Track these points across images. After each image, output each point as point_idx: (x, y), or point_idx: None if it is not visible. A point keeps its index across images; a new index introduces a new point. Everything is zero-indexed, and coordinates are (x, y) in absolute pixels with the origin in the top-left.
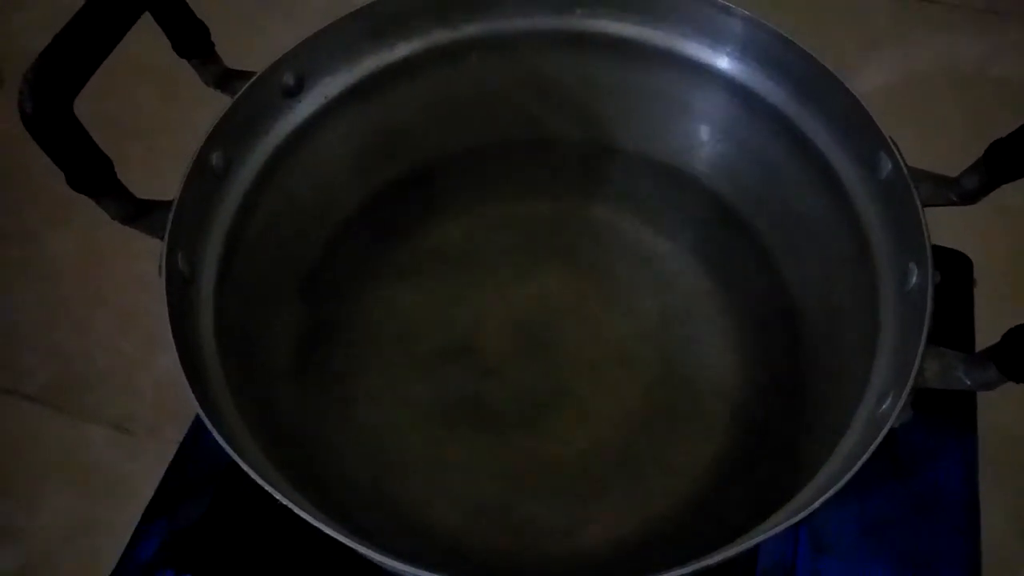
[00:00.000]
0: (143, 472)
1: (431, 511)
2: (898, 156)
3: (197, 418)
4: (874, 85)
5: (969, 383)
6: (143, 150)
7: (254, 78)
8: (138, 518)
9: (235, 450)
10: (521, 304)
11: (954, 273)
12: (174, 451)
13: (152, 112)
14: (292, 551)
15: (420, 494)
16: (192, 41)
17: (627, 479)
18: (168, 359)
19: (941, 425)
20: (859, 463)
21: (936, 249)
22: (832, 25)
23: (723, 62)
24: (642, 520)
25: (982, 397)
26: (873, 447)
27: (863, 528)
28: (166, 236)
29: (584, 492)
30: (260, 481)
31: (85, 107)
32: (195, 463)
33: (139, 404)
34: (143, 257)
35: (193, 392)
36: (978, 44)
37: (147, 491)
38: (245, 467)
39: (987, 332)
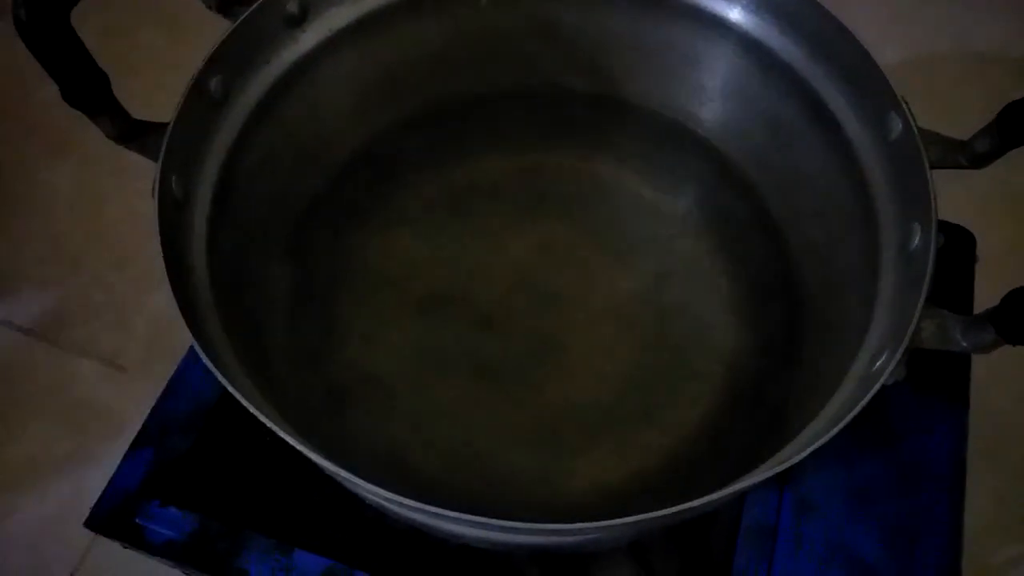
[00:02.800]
0: (133, 407)
1: (413, 454)
2: (909, 116)
3: (188, 352)
4: (892, 63)
5: (965, 344)
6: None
7: (257, 3)
8: (125, 452)
9: (223, 374)
10: (520, 255)
11: (957, 247)
12: (163, 387)
13: (158, 51)
14: (276, 484)
15: (404, 436)
16: None
17: (616, 434)
18: (162, 297)
19: (933, 396)
20: (849, 416)
21: (939, 224)
22: (852, 3)
23: (737, 14)
24: (628, 473)
25: (976, 380)
26: (864, 401)
27: (849, 492)
28: (160, 158)
29: (572, 444)
30: (245, 402)
31: (89, 44)
32: (184, 397)
33: (131, 340)
34: (141, 195)
35: (181, 312)
36: (998, 25)
37: (135, 426)
38: (231, 388)
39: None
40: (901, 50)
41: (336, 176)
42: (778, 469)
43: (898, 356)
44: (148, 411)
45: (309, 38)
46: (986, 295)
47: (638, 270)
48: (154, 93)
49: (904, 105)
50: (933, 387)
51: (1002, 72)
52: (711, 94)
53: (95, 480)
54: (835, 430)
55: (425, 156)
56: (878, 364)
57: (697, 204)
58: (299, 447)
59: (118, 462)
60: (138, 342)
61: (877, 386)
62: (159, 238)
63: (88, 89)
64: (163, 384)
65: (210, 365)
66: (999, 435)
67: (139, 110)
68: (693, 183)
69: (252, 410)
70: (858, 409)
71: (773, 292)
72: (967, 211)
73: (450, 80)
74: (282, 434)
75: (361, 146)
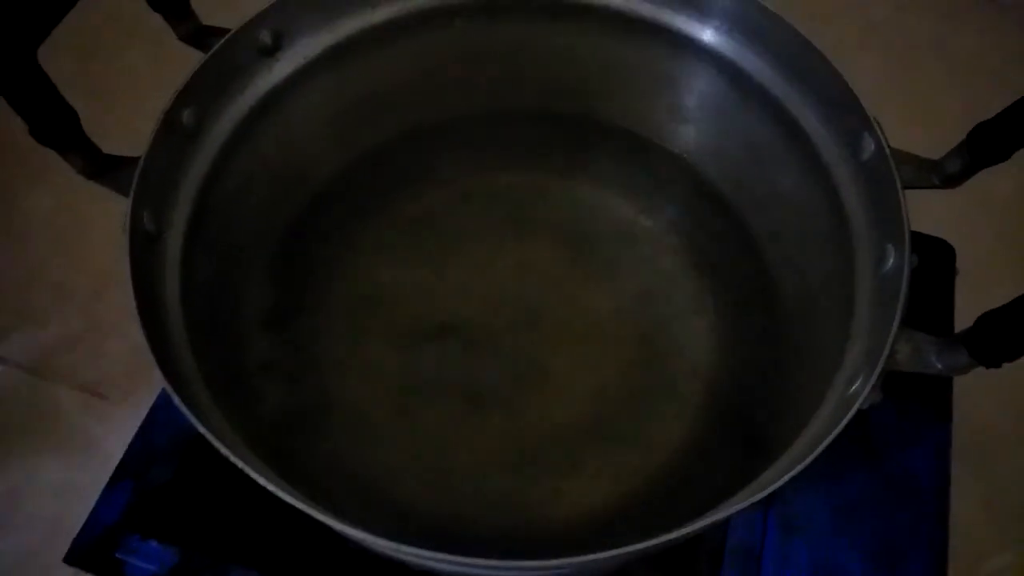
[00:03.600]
0: (115, 436)
1: (392, 480)
2: (881, 137)
3: None
4: (870, 71)
5: (940, 367)
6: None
7: (229, 35)
8: (106, 482)
9: (197, 416)
10: (500, 277)
11: (936, 261)
12: (145, 414)
13: (139, 74)
14: (259, 516)
15: (383, 462)
16: None
17: (598, 456)
18: None
19: (916, 412)
20: (824, 443)
21: (919, 237)
22: (829, 10)
23: (710, 36)
24: (613, 495)
25: (958, 386)
26: (839, 428)
27: (833, 512)
28: (131, 193)
29: (557, 467)
30: (218, 445)
31: (69, 67)
32: (165, 428)
33: (113, 369)
34: (122, 221)
35: (152, 352)
36: (974, 34)
37: (117, 455)
38: (203, 430)
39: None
40: (879, 58)
41: (313, 202)
42: (758, 496)
43: (873, 380)
44: (129, 440)
45: (283, 67)
46: (967, 307)
47: (619, 289)
48: (135, 119)
49: (876, 126)
50: (915, 402)
51: (979, 80)
52: (687, 114)
53: (77, 512)
54: (811, 457)
55: (403, 179)
56: (854, 387)
57: (676, 222)
58: (274, 490)
59: (99, 492)
60: (120, 370)
61: (852, 411)
62: (130, 276)
63: (57, 126)
64: (146, 412)
65: (182, 406)
66: (983, 442)
67: (120, 137)
68: (672, 202)
69: (224, 451)
70: (833, 435)
71: (752, 310)
72: (947, 222)
73: (427, 104)
74: (256, 477)
75: (338, 171)
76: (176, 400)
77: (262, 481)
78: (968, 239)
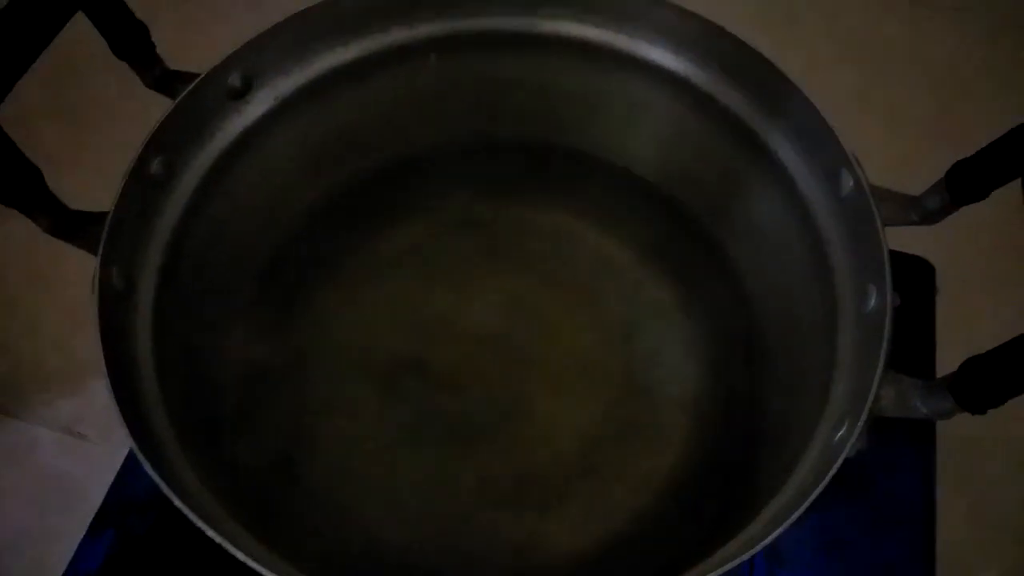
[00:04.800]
0: (94, 477)
1: (377, 524)
2: (860, 174)
3: None
4: (844, 81)
5: (926, 412)
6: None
7: (196, 80)
8: (86, 526)
9: (171, 487)
10: (480, 312)
11: (915, 281)
12: (125, 456)
13: (111, 105)
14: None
15: (368, 511)
16: (130, 42)
17: (586, 492)
18: None
19: (899, 436)
20: (812, 496)
21: (897, 256)
22: (803, 21)
23: (687, 69)
24: (599, 534)
25: None
26: (825, 481)
27: (820, 542)
28: (99, 252)
29: (541, 508)
30: (193, 517)
31: (42, 96)
32: (143, 473)
33: (91, 407)
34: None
35: (122, 415)
36: (949, 43)
37: (97, 497)
38: (178, 502)
39: (949, 341)
40: (853, 71)
41: (289, 241)
42: (748, 555)
43: (858, 429)
44: (109, 481)
45: (254, 109)
46: (947, 327)
47: (601, 321)
48: (109, 151)
49: (855, 162)
50: (899, 427)
51: (953, 88)
52: (664, 144)
53: (56, 557)
54: (800, 510)
55: (379, 214)
56: (840, 434)
57: (656, 253)
58: (253, 565)
59: (79, 536)
60: (98, 409)
61: (839, 462)
62: (98, 338)
63: (20, 187)
64: (124, 452)
65: (153, 473)
66: (965, 453)
67: (92, 173)
68: (652, 232)
69: (197, 522)
70: (821, 487)
71: (736, 343)
72: (924, 238)
73: (402, 137)
74: (232, 550)
75: (313, 209)
76: (147, 467)
77: (241, 556)
78: (946, 251)
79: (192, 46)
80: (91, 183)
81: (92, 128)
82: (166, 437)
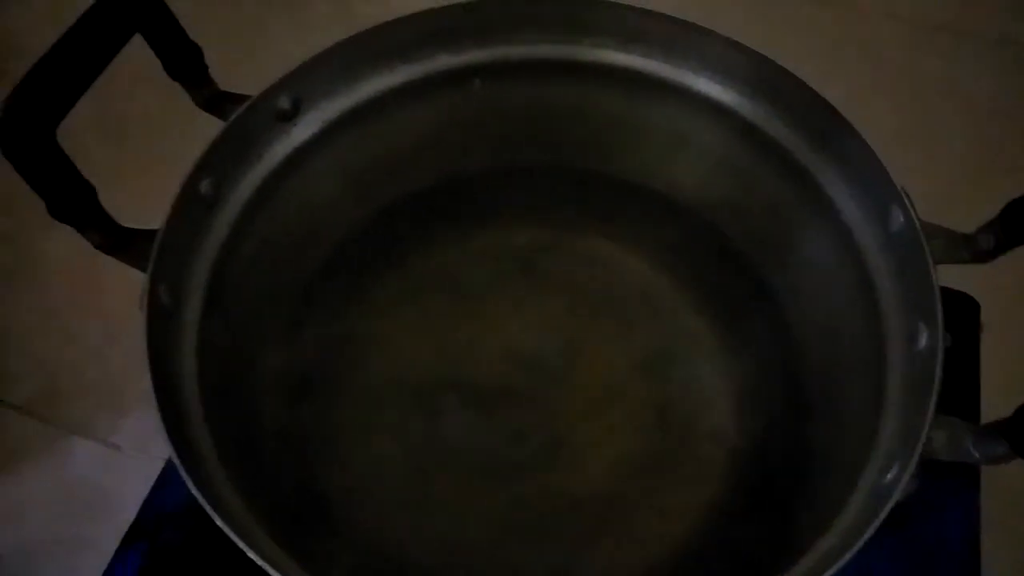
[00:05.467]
0: (128, 489)
1: (411, 552)
2: (911, 210)
3: None
4: (885, 113)
5: (978, 456)
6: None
7: (247, 103)
8: (118, 537)
9: (211, 504)
10: (516, 337)
11: (960, 318)
12: (160, 469)
13: (156, 120)
14: None
15: (400, 533)
16: (184, 63)
17: (619, 525)
18: None
19: (943, 478)
20: (861, 541)
21: (941, 292)
22: (842, 53)
23: (733, 99)
24: (634, 569)
25: None
26: (874, 527)
27: None
28: (149, 269)
29: (575, 538)
30: (234, 537)
31: (90, 111)
32: (178, 486)
33: (127, 418)
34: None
35: (168, 436)
36: (989, 77)
37: (131, 509)
38: (219, 520)
39: (993, 381)
40: (892, 102)
41: (329, 261)
42: None
43: (909, 472)
44: (143, 493)
45: (301, 131)
46: (991, 366)
47: (637, 349)
48: (154, 163)
49: (905, 198)
50: (942, 467)
51: (992, 122)
52: (707, 173)
53: (87, 567)
54: (847, 556)
55: (418, 236)
56: (889, 476)
57: (696, 280)
58: None
59: (111, 547)
60: (134, 420)
61: (889, 505)
62: (146, 355)
63: (74, 203)
64: (159, 464)
65: (197, 493)
66: (1012, 504)
67: (138, 185)
68: (691, 259)
69: (238, 542)
70: (871, 532)
71: (776, 375)
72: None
73: (444, 161)
74: (271, 571)
75: (354, 229)
76: (190, 484)
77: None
78: (990, 286)
79: (238, 66)
80: (135, 198)
81: (136, 143)
82: (207, 454)
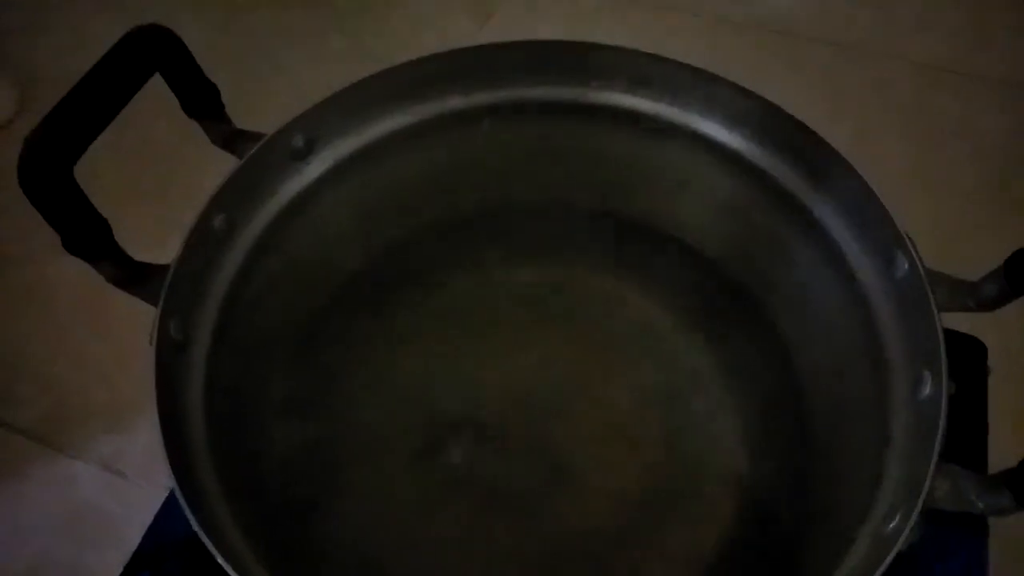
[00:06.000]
0: (133, 515)
1: None
2: (915, 256)
3: None
4: (894, 153)
5: (982, 507)
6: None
7: (263, 141)
8: (120, 564)
9: (211, 539)
10: (522, 374)
11: (966, 362)
12: (164, 497)
13: (170, 153)
14: None
15: (402, 567)
16: (202, 102)
17: (623, 565)
18: None
19: (949, 522)
20: None
21: (947, 334)
22: (852, 93)
23: (739, 143)
24: None
25: None
26: (879, 573)
27: None
28: (160, 304)
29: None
30: (231, 571)
31: (107, 141)
32: (182, 516)
33: (132, 444)
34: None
35: (174, 474)
36: (1001, 115)
37: (132, 536)
38: (219, 557)
39: (1001, 426)
40: (902, 141)
41: (336, 295)
42: None
43: (911, 522)
44: (146, 520)
45: (314, 169)
46: (999, 411)
47: (642, 387)
48: (170, 193)
49: (910, 244)
50: (949, 513)
51: (1004, 162)
52: (713, 214)
53: None
54: None
55: (425, 272)
56: (892, 525)
57: (702, 320)
58: None
59: (113, 574)
60: (139, 446)
61: (891, 555)
62: (154, 389)
63: (89, 238)
64: (163, 492)
65: (195, 524)
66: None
67: (152, 214)
68: (697, 299)
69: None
70: None
71: (781, 416)
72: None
73: (453, 199)
74: None
75: (362, 264)
76: (191, 519)
77: None
78: (997, 331)
79: (253, 100)
80: (150, 230)
81: (151, 175)
82: (210, 488)
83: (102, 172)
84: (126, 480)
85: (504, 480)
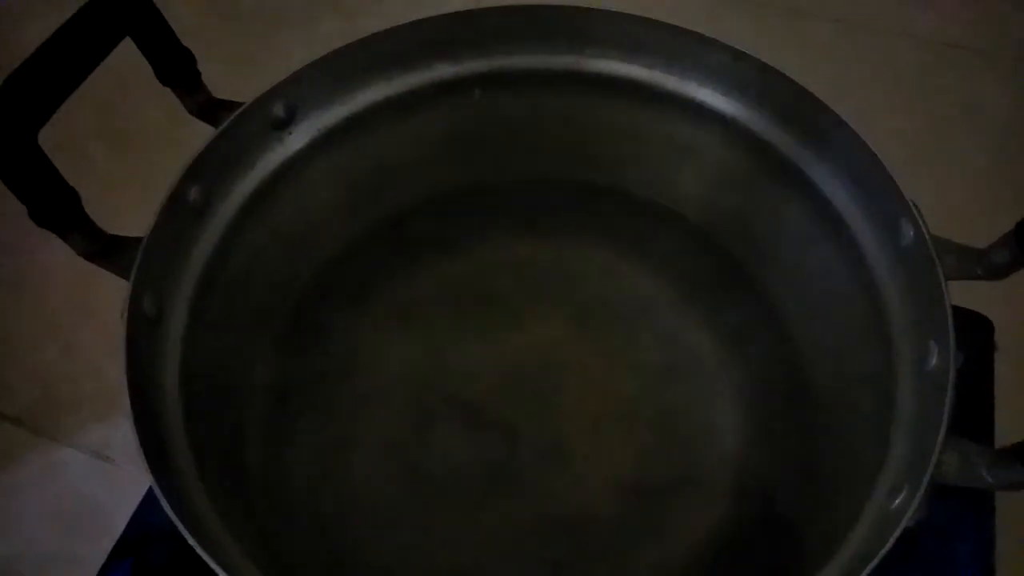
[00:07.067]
0: (121, 502)
1: (400, 569)
2: (921, 224)
3: None
4: (899, 131)
5: (992, 481)
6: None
7: (240, 109)
8: (107, 553)
9: (186, 524)
10: (516, 353)
11: (973, 338)
12: (149, 485)
13: (163, 130)
14: None
15: (388, 556)
16: (176, 69)
17: (619, 548)
18: None
19: (956, 501)
20: (868, 569)
21: (954, 311)
22: (856, 70)
23: (737, 110)
24: None
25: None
26: (883, 552)
27: None
28: (132, 277)
29: (570, 563)
30: (206, 557)
31: (96, 121)
32: None
33: (120, 432)
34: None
35: (143, 451)
36: (1007, 94)
37: (122, 524)
38: (190, 539)
39: (1008, 403)
40: (908, 121)
41: (323, 272)
42: None
43: (918, 498)
44: (134, 507)
45: (296, 140)
46: (1006, 388)
47: (640, 366)
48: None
49: (915, 211)
50: (955, 490)
51: (1010, 143)
52: (712, 186)
53: None
54: None
55: (417, 249)
56: (897, 501)
57: (700, 295)
58: None
59: (101, 562)
60: (127, 434)
61: (897, 532)
62: (125, 366)
63: (56, 209)
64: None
65: (167, 507)
66: None
67: (136, 196)
68: (696, 275)
69: (211, 563)
70: (878, 559)
71: (782, 395)
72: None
73: (444, 173)
74: None
75: (350, 241)
76: (163, 501)
77: None
78: (1006, 307)
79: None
80: (142, 208)
81: (144, 153)
82: (186, 469)
83: (95, 150)
84: (116, 467)
85: (497, 460)
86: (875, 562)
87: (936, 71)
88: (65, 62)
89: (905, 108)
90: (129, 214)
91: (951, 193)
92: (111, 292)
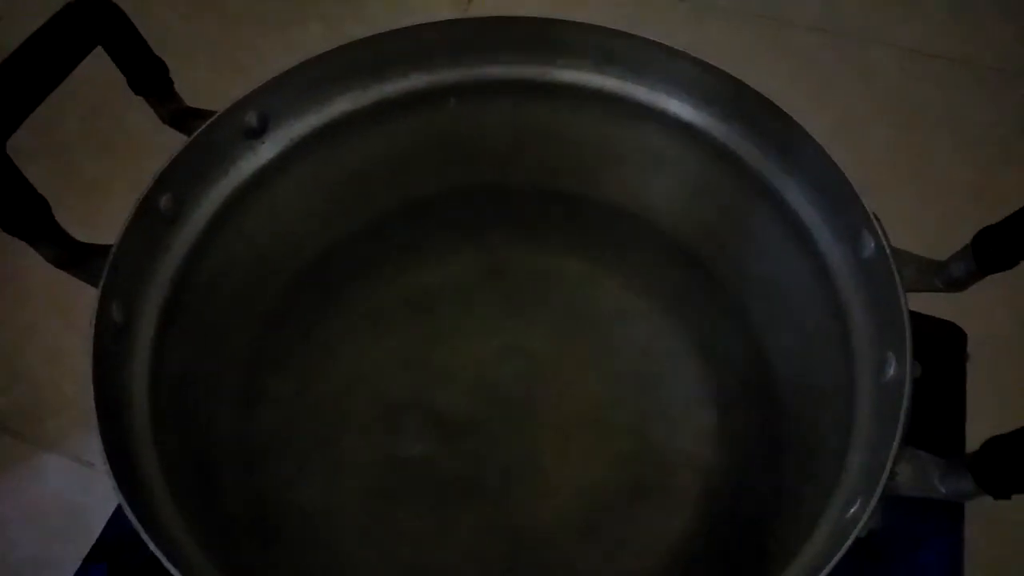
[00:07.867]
0: (100, 506)
1: None
2: (881, 236)
3: None
4: (881, 140)
5: (944, 492)
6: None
7: (212, 119)
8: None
9: (147, 530)
10: (489, 361)
11: (945, 348)
12: None
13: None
14: None
15: (359, 563)
16: (148, 78)
17: (590, 556)
18: None
19: (925, 510)
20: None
21: (927, 320)
22: (838, 79)
23: (706, 122)
24: None
25: None
26: (831, 564)
27: None
28: (100, 284)
29: (545, 570)
30: (168, 564)
31: (80, 129)
32: None
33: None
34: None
35: (107, 456)
36: (986, 105)
37: (99, 528)
38: (151, 544)
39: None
40: (887, 129)
41: (297, 280)
42: None
43: (870, 507)
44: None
45: (269, 148)
46: (979, 399)
47: (614, 373)
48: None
49: (876, 223)
50: (923, 502)
51: (988, 151)
52: (683, 195)
53: None
54: None
55: (391, 257)
56: (852, 511)
57: (673, 305)
58: None
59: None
60: None
61: (849, 541)
62: (91, 375)
63: (25, 218)
64: None
65: (130, 513)
66: (997, 538)
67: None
68: (667, 283)
69: (168, 566)
70: (830, 567)
71: (752, 401)
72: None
73: (418, 181)
74: None
75: (325, 249)
76: (126, 508)
77: None
78: (980, 318)
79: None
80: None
81: (129, 158)
82: (153, 478)
83: (78, 158)
84: (94, 471)
85: (468, 471)
86: (825, 572)
87: (917, 81)
88: (34, 72)
89: (886, 118)
90: (114, 220)
91: (930, 200)
92: (92, 298)
